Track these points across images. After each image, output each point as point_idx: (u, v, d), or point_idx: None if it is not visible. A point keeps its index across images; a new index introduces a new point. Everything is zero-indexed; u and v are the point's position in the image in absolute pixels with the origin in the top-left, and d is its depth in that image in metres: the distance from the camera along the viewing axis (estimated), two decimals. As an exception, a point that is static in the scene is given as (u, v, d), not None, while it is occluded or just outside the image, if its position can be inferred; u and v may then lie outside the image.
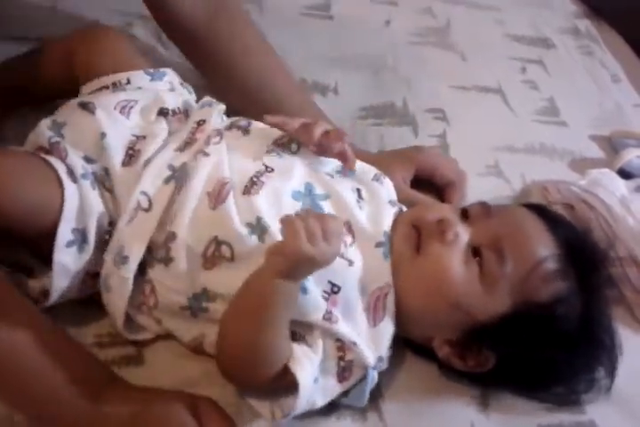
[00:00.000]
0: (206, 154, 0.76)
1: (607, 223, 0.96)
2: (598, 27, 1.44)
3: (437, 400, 0.77)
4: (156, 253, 0.72)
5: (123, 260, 0.71)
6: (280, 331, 0.67)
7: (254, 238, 0.71)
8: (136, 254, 0.71)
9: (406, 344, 0.78)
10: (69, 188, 0.72)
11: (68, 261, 0.71)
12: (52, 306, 0.73)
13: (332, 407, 0.73)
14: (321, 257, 0.66)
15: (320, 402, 0.70)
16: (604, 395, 0.79)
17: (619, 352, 0.78)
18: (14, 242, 0.73)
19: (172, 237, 0.72)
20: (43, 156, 0.75)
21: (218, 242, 0.71)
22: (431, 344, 0.76)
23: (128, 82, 0.84)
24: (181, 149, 0.77)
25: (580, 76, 1.31)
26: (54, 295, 0.72)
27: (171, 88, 0.87)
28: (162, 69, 0.87)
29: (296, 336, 0.70)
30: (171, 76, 0.88)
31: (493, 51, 1.31)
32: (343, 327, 0.70)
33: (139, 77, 0.85)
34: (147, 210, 0.72)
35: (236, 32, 0.93)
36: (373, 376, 0.72)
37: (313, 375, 0.68)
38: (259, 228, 0.71)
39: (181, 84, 0.89)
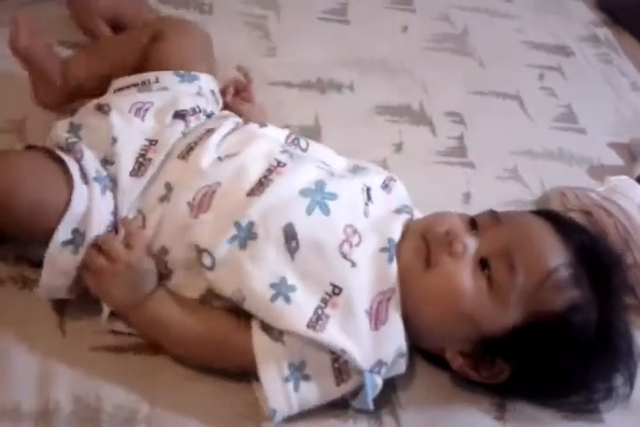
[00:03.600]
0: (202, 173, 0.75)
1: (625, 230, 0.95)
2: (617, 35, 1.44)
3: (454, 408, 0.76)
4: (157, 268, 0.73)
5: None
6: (191, 329, 0.71)
7: (235, 244, 0.71)
8: None
9: (420, 354, 0.77)
10: (79, 188, 0.72)
11: (60, 259, 0.71)
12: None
13: (348, 411, 0.72)
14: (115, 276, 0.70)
15: (314, 402, 0.70)
16: (621, 403, 0.78)
17: (637, 359, 0.77)
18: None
19: (164, 251, 0.72)
20: (59, 153, 0.75)
21: (199, 250, 0.71)
22: (444, 355, 0.75)
23: (157, 81, 0.85)
24: (183, 156, 0.77)
25: (598, 83, 1.30)
26: (43, 291, 0.72)
27: (198, 92, 0.86)
28: (195, 73, 0.87)
29: (274, 332, 0.70)
30: (204, 82, 0.88)
31: (511, 57, 1.31)
32: (330, 336, 0.69)
33: (167, 78, 0.85)
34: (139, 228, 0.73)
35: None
36: (374, 380, 0.70)
37: (280, 375, 0.69)
38: (246, 230, 0.71)
39: (213, 92, 0.89)
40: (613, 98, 1.27)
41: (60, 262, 0.71)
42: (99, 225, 0.72)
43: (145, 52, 0.90)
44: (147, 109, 0.80)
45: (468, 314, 0.72)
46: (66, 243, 0.71)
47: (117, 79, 0.86)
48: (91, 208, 0.72)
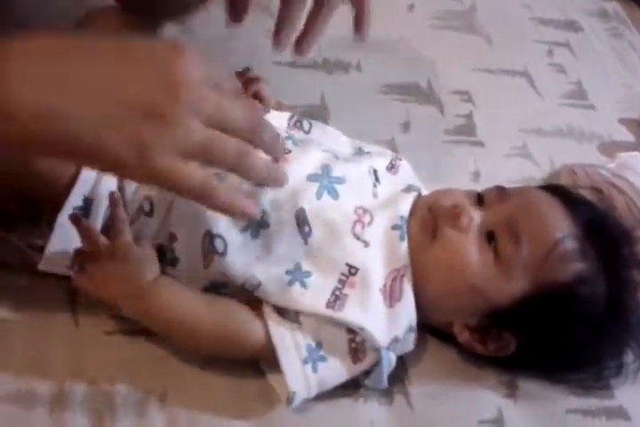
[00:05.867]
0: None
1: (637, 207, 0.94)
2: (627, 8, 1.42)
3: (464, 385, 0.77)
4: (165, 256, 0.72)
5: None
6: (203, 318, 0.69)
7: (247, 233, 0.71)
8: None
9: (427, 329, 0.77)
10: None
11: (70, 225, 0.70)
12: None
13: (358, 390, 0.73)
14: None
15: (331, 382, 0.70)
16: (632, 379, 0.78)
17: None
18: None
19: (173, 238, 0.72)
20: None
21: (211, 236, 0.71)
22: (451, 329, 0.76)
23: None
24: None
25: (608, 59, 1.29)
26: (46, 259, 0.71)
27: None
28: None
29: (289, 315, 0.70)
30: None
31: (519, 34, 1.29)
32: (349, 314, 0.70)
33: None
34: (148, 214, 0.73)
35: None
36: (390, 358, 0.71)
37: (299, 357, 0.69)
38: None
39: None
40: (624, 73, 1.26)
41: (69, 228, 0.70)
42: (105, 196, 0.71)
43: None
44: None
45: (474, 286, 0.72)
46: (77, 209, 0.71)
47: None
48: (101, 179, 0.71)
